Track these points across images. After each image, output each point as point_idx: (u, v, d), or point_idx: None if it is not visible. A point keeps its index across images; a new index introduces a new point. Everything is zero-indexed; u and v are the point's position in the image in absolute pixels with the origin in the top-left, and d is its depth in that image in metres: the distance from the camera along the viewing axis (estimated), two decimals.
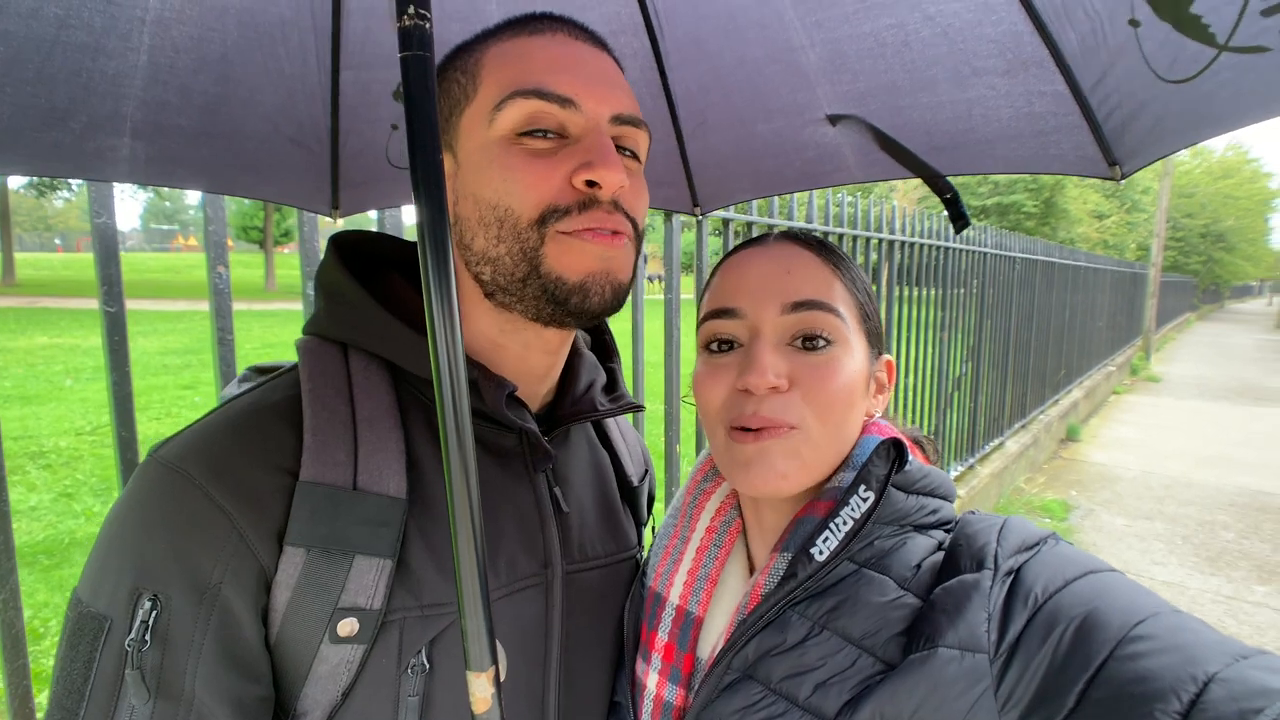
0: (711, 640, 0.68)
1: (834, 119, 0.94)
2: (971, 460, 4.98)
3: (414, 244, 0.76)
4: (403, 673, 0.58)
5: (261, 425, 0.58)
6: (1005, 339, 5.63)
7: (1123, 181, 0.82)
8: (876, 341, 0.70)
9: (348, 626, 0.56)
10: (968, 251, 4.61)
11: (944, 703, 0.54)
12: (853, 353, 0.65)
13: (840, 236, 3.10)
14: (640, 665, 0.72)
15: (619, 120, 0.62)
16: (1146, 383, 11.98)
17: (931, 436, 0.80)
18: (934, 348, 4.26)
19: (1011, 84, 0.79)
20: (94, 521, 4.10)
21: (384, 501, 0.58)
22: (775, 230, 0.74)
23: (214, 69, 0.77)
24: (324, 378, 0.62)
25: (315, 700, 0.57)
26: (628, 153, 0.64)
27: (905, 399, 3.95)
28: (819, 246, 0.69)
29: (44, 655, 2.81)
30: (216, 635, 0.53)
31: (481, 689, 0.50)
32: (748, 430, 0.63)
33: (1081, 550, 0.60)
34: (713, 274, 0.72)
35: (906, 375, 3.92)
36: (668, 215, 2.02)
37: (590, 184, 0.58)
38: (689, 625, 0.70)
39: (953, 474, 4.66)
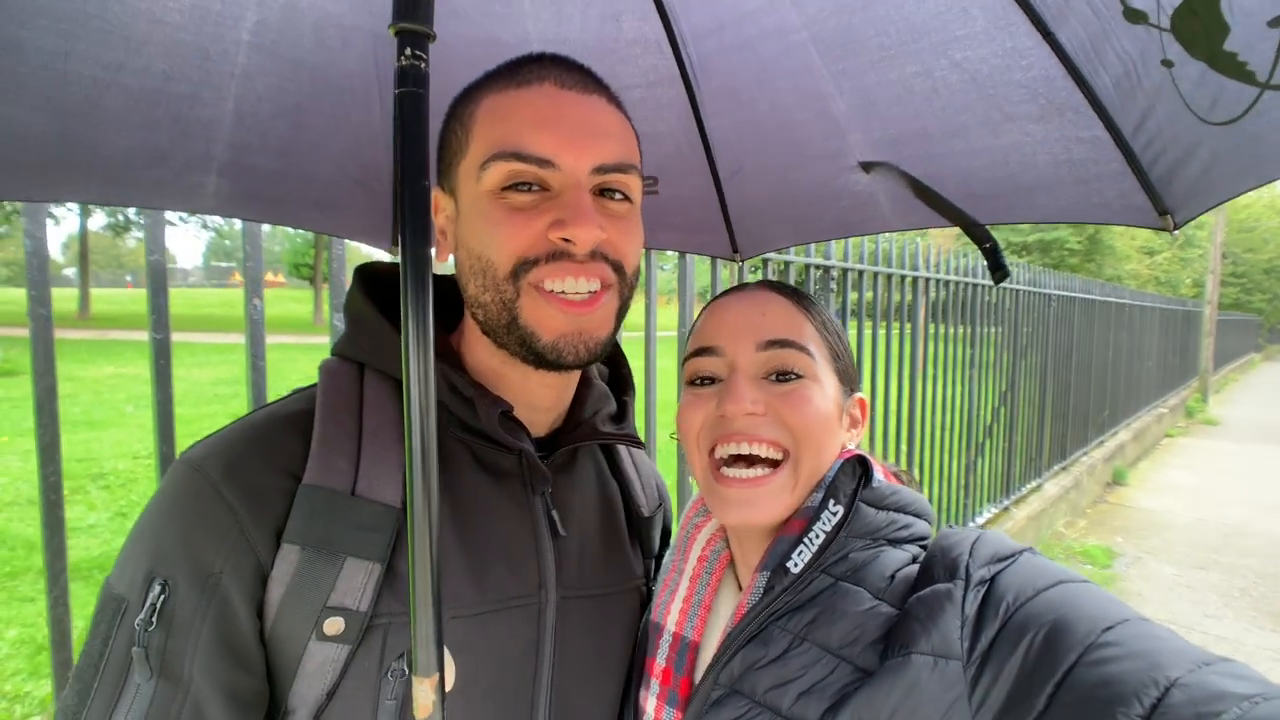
0: (706, 663, 0.71)
1: (867, 166, 0.94)
2: (1006, 502, 4.81)
3: (436, 276, 0.84)
4: (384, 676, 0.60)
5: (274, 433, 0.63)
6: (1042, 377, 5.48)
7: (1176, 232, 0.78)
8: (848, 380, 0.75)
9: (334, 625, 0.58)
10: (1001, 289, 4.56)
11: (919, 707, 0.56)
12: (823, 386, 0.70)
13: (875, 275, 3.11)
14: (642, 693, 0.75)
15: (602, 170, 0.64)
16: (1203, 425, 11.38)
17: (917, 480, 0.83)
18: (964, 385, 4.20)
19: (1047, 130, 0.78)
20: None
21: (379, 509, 0.61)
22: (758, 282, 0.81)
23: (289, 116, 0.87)
24: (337, 393, 0.67)
25: (302, 697, 0.60)
26: (618, 195, 0.66)
27: (937, 438, 3.88)
28: (792, 293, 0.75)
29: None
30: (215, 623, 0.57)
31: (424, 695, 0.50)
32: (734, 467, 0.68)
33: (1056, 564, 0.61)
34: (698, 318, 0.78)
35: (937, 414, 3.87)
36: (681, 255, 2.10)
37: (565, 239, 0.62)
38: (685, 650, 0.73)
39: (985, 516, 4.51)
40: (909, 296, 3.46)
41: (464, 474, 0.68)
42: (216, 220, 32.73)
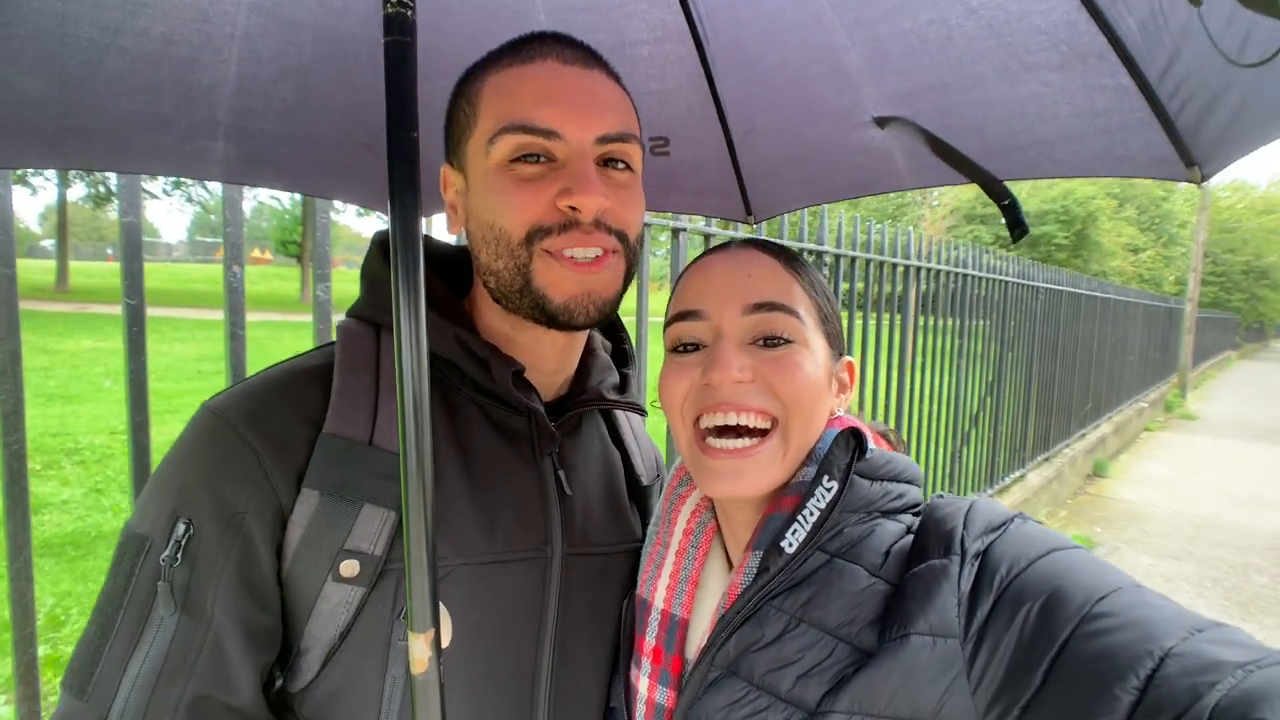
0: (697, 641, 0.69)
1: (881, 121, 0.92)
2: (990, 491, 4.87)
3: (448, 245, 0.84)
4: (395, 619, 0.63)
5: (296, 384, 0.66)
6: (1028, 369, 5.53)
7: (1204, 184, 0.76)
8: (837, 343, 0.73)
9: (350, 568, 0.61)
10: (990, 280, 4.58)
11: (919, 688, 0.56)
12: (813, 351, 0.67)
13: (868, 262, 3.11)
14: (633, 670, 0.74)
15: (605, 140, 0.66)
16: (1182, 420, 11.60)
17: (899, 433, 0.80)
18: (952, 376, 4.22)
19: (1068, 79, 0.75)
20: (120, 516, 4.22)
21: (394, 459, 0.63)
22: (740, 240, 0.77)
23: (292, 79, 0.84)
24: (355, 351, 0.69)
25: (316, 637, 0.62)
26: (620, 164, 0.69)
27: (924, 427, 3.91)
28: (779, 251, 0.72)
29: (64, 642, 2.90)
30: (237, 561, 0.60)
31: (420, 650, 0.51)
32: (720, 438, 0.66)
33: (1048, 529, 0.61)
34: (678, 280, 0.74)
35: (924, 403, 3.88)
36: (675, 234, 2.07)
37: (571, 208, 0.64)
38: (674, 627, 0.71)
39: None
40: (900, 286, 3.46)
41: (476, 432, 0.71)
42: (201, 194, 32.19)
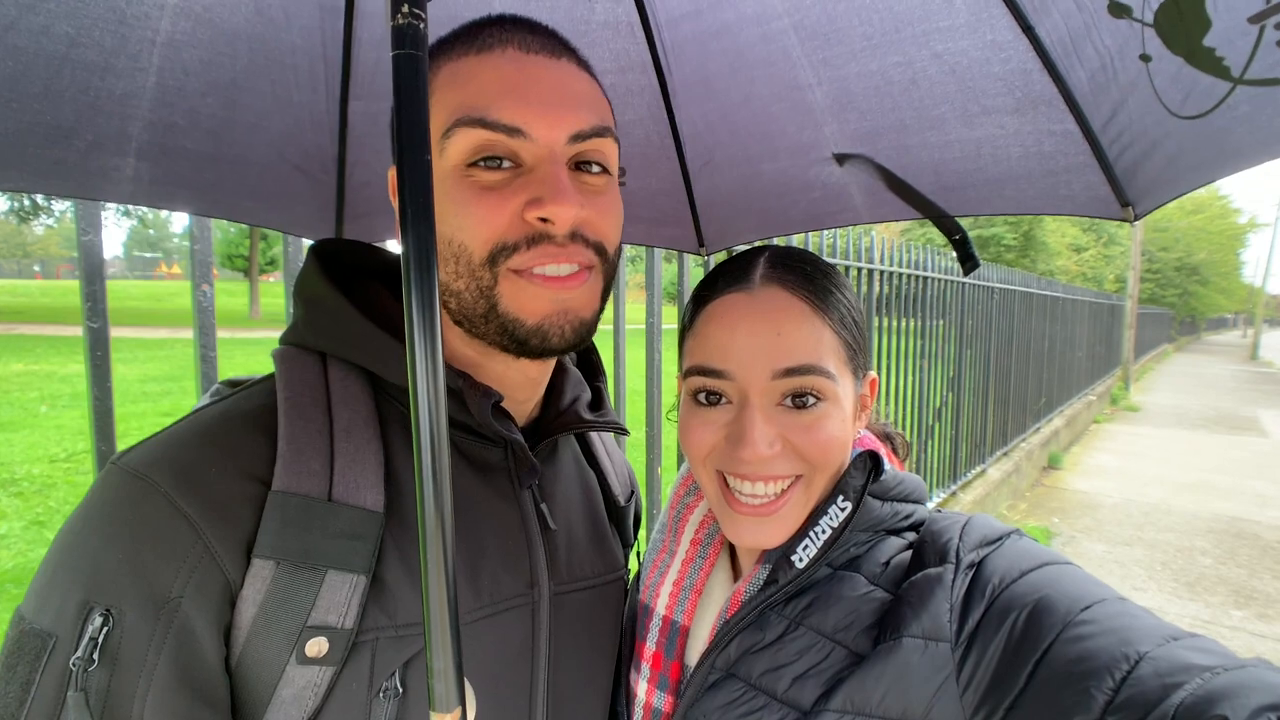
0: (698, 648, 0.70)
1: (841, 158, 0.93)
2: (954, 487, 5.00)
3: (396, 255, 0.75)
4: (374, 697, 0.55)
5: (233, 433, 0.56)
6: (985, 367, 5.71)
7: (1136, 223, 0.81)
8: (863, 364, 0.70)
9: (317, 646, 0.53)
10: (946, 281, 4.71)
11: (909, 689, 0.57)
12: (841, 405, 0.66)
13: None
14: (632, 675, 0.74)
15: (579, 138, 0.59)
16: (1126, 412, 12.14)
17: (906, 439, 0.82)
18: (914, 376, 4.33)
19: (1021, 123, 0.78)
20: None
21: (360, 514, 0.55)
22: (761, 259, 0.70)
23: (222, 93, 0.77)
24: (301, 386, 0.59)
25: None
26: (596, 167, 0.61)
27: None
28: (806, 288, 0.66)
29: None
30: (173, 655, 0.50)
31: None
32: (746, 496, 0.66)
33: (1042, 546, 0.63)
34: (696, 312, 0.70)
35: (888, 404, 3.96)
36: (649, 249, 2.07)
37: (543, 219, 0.56)
38: (675, 634, 0.72)
39: (934, 502, 4.67)
40: (864, 288, 3.53)
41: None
42: (140, 208, 30.82)
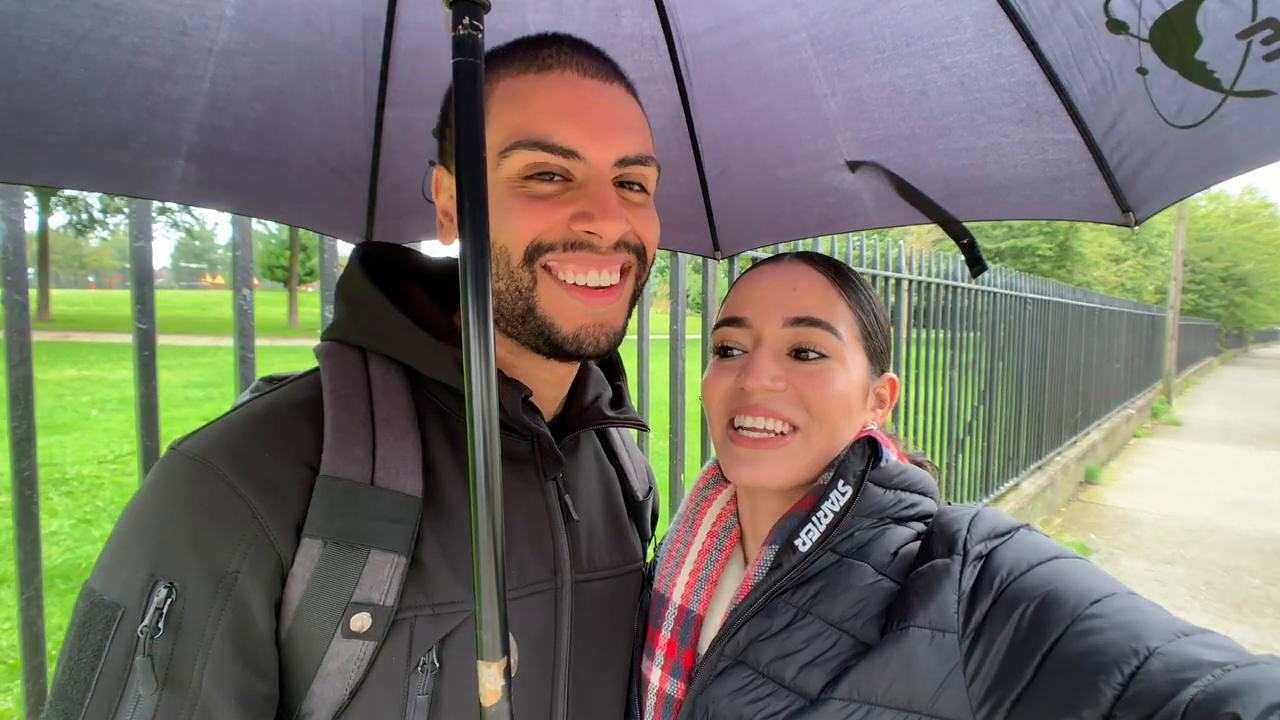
0: (710, 636, 0.72)
1: (853, 165, 0.96)
2: (986, 500, 4.90)
3: (436, 259, 0.80)
4: (412, 671, 0.58)
5: (284, 421, 0.60)
6: (1018, 379, 5.60)
7: (1136, 227, 0.83)
8: (880, 359, 0.75)
9: (360, 621, 0.56)
10: (979, 291, 4.65)
11: (916, 678, 0.58)
12: (848, 368, 0.70)
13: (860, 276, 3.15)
14: (645, 662, 0.76)
15: (624, 162, 0.63)
16: (1168, 426, 11.74)
17: (936, 466, 0.83)
18: (944, 388, 4.27)
19: (1025, 132, 0.82)
20: None
21: (400, 499, 0.59)
22: (793, 253, 0.79)
23: (269, 99, 0.83)
24: (345, 379, 0.64)
25: (322, 699, 0.57)
26: (636, 186, 0.66)
27: (916, 439, 3.94)
28: (828, 267, 0.75)
29: None
30: (229, 626, 0.54)
31: (492, 680, 0.49)
32: (747, 429, 0.70)
33: (1052, 540, 0.63)
34: (732, 287, 0.79)
35: (917, 415, 3.92)
36: (674, 254, 2.10)
37: (589, 232, 0.61)
38: (690, 623, 0.74)
39: None
40: (892, 299, 3.51)
41: None
42: (187, 219, 32.00)
